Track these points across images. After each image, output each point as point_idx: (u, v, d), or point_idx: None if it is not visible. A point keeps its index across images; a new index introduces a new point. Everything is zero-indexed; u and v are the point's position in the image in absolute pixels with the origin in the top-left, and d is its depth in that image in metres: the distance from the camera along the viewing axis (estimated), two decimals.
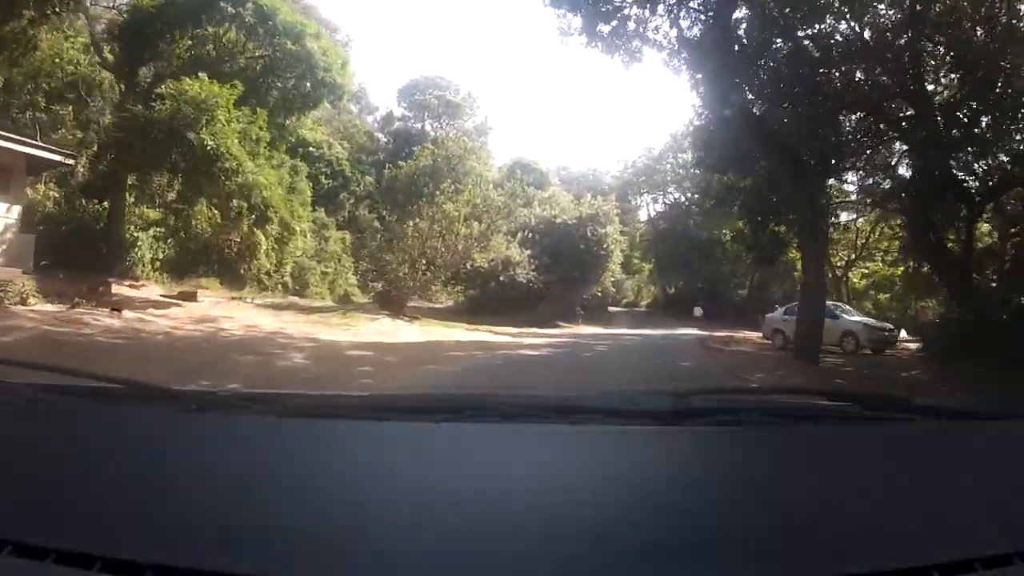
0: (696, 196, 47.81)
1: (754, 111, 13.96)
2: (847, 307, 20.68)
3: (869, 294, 34.63)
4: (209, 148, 20.28)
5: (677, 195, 51.53)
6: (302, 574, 0.72)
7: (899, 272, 29.85)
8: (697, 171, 46.42)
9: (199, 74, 21.67)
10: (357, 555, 0.76)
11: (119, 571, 0.71)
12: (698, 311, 39.32)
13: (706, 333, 30.81)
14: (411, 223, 21.72)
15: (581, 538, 0.79)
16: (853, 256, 30.39)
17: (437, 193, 21.62)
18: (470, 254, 22.85)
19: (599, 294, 33.01)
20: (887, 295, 33.50)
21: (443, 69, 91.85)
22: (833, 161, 14.25)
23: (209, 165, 20.43)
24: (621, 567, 0.73)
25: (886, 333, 18.87)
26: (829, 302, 22.39)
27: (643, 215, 56.66)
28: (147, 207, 24.25)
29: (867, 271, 34.18)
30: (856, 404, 1.53)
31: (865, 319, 19.51)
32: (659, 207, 54.10)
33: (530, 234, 28.67)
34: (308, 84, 27.52)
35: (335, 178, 40.13)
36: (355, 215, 34.40)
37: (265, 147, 22.96)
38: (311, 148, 39.91)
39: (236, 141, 21.36)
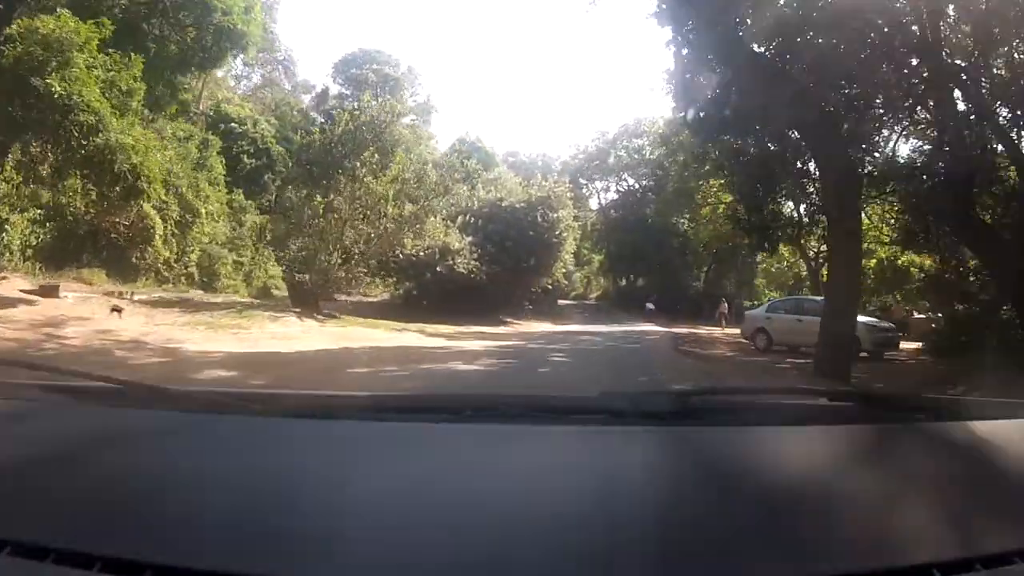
0: (652, 183, 45.16)
1: (760, 50, 10.63)
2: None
3: None
4: (58, 96, 15.81)
5: (631, 182, 48.56)
6: (302, 574, 0.73)
7: (871, 264, 27.63)
8: (656, 155, 44.91)
9: (58, 10, 17.17)
10: (357, 555, 0.76)
11: (119, 571, 0.72)
12: (650, 306, 36.59)
13: (665, 329, 28.28)
14: (322, 201, 17.74)
15: (582, 539, 0.79)
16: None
17: (358, 165, 17.69)
18: (399, 240, 19.04)
19: (549, 286, 29.64)
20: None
21: (383, 42, 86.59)
22: (869, 119, 10.99)
23: (59, 118, 15.98)
24: (622, 567, 0.74)
25: (889, 334, 16.09)
26: (813, 298, 19.78)
27: (594, 204, 53.59)
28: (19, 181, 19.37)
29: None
30: (856, 404, 1.58)
31: (864, 318, 16.76)
32: (612, 195, 51.03)
33: (472, 219, 25.07)
34: (209, 37, 23.20)
35: (259, 157, 35.65)
36: (280, 198, 30.00)
37: (140, 103, 18.55)
38: (234, 124, 35.61)
39: (97, 91, 16.91)
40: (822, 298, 18.58)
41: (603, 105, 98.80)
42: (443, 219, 24.07)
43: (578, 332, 23.01)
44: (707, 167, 21.57)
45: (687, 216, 40.53)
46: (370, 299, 31.33)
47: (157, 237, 22.92)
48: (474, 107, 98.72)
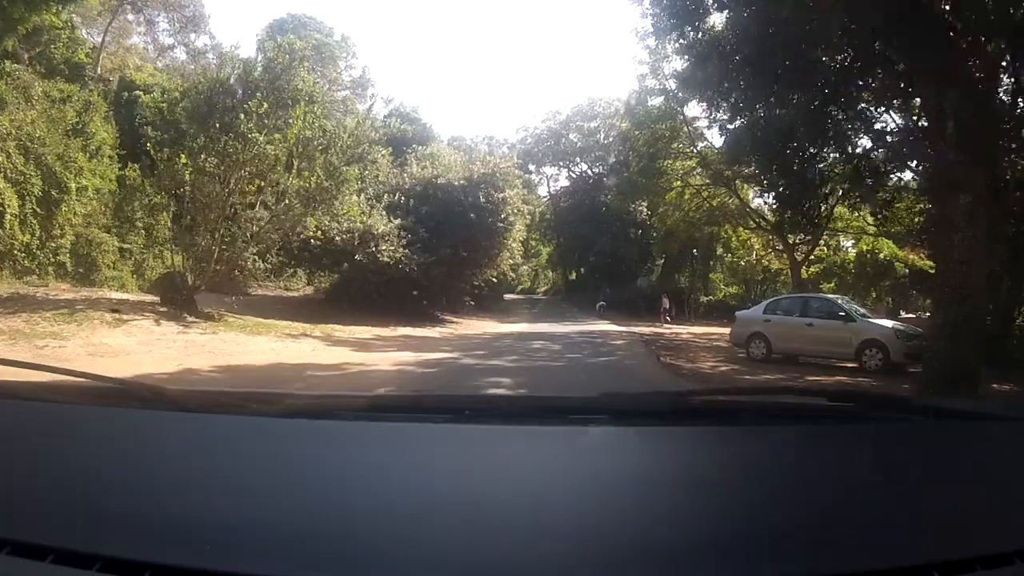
0: (607, 169, 41.76)
1: None
2: (850, 302, 14.50)
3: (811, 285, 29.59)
4: None
5: (585, 167, 45.00)
6: (302, 573, 0.72)
7: (850, 259, 24.91)
8: (613, 138, 41.14)
9: None
10: (357, 554, 0.76)
11: (119, 571, 0.72)
12: (602, 303, 33.33)
13: (626, 329, 24.93)
14: (187, 164, 13.28)
15: (582, 538, 0.79)
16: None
17: (242, 117, 13.30)
18: (302, 219, 14.73)
19: (494, 279, 25.70)
20: (831, 284, 28.70)
21: (316, 8, 79.89)
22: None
23: None
24: (622, 567, 0.73)
25: (920, 342, 12.82)
26: (824, 295, 16.39)
27: (544, 191, 49.93)
28: None
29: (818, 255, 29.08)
30: (856, 404, 1.57)
31: (891, 322, 13.53)
32: (563, 182, 47.42)
33: (401, 198, 20.89)
34: None
35: (166, 130, 30.44)
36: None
37: None
38: (139, 92, 30.28)
39: None
40: (837, 296, 15.50)
41: (555, 87, 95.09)
42: (366, 198, 19.88)
43: (528, 334, 19.25)
44: (706, 120, 17.50)
45: (645, 204, 37.40)
46: (291, 293, 26.87)
47: (9, 216, 18.04)
48: (416, 86, 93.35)
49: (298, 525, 0.80)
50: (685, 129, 22.39)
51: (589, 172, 44.40)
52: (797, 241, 22.52)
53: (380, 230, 18.86)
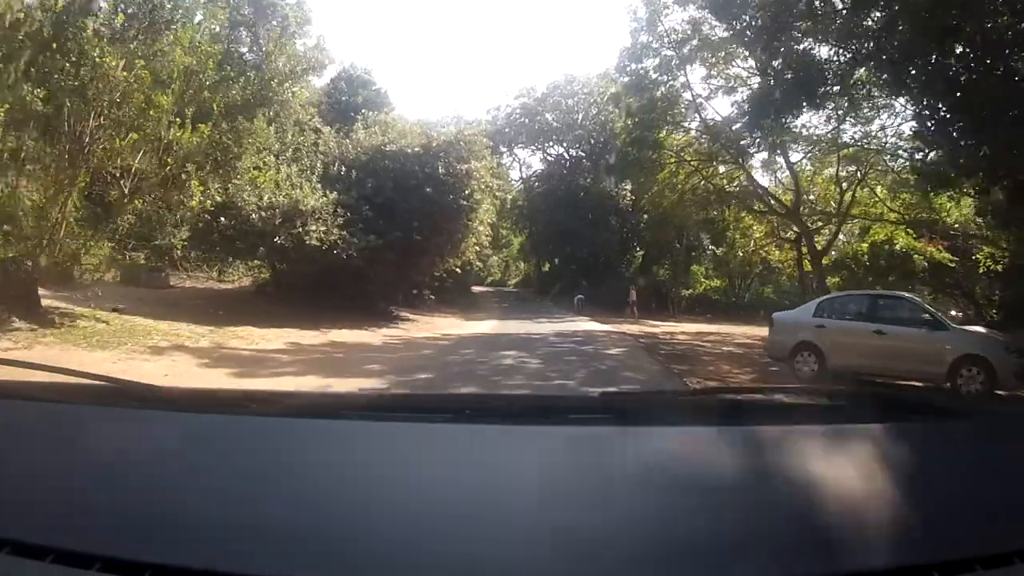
0: (586, 151, 38.13)
1: None
2: (924, 304, 10.89)
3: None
4: None
5: (561, 150, 41.16)
6: (302, 573, 0.72)
7: (863, 248, 21.62)
8: (594, 114, 36.96)
9: None
10: (357, 554, 0.76)
11: (119, 571, 0.72)
12: (580, 296, 29.97)
13: (611, 327, 21.42)
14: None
15: (582, 538, 0.78)
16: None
17: (88, 33, 9.22)
18: (186, 186, 10.71)
19: (457, 270, 21.78)
20: (836, 279, 25.50)
21: None
22: None
23: None
24: (623, 567, 0.74)
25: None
26: (898, 293, 12.60)
27: (516, 176, 46.09)
28: None
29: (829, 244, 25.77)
30: (857, 404, 1.56)
31: (989, 332, 10.04)
32: (537, 166, 43.53)
33: (342, 169, 16.91)
34: None
35: None
36: None
37: None
38: None
39: None
40: (910, 296, 11.82)
41: (530, 66, 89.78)
42: (299, 169, 15.88)
43: (497, 338, 15.52)
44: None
45: (630, 189, 33.92)
46: (224, 285, 22.67)
47: None
48: (379, 61, 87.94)
49: (298, 525, 0.80)
50: (686, 96, 18.80)
51: (566, 155, 40.67)
52: (818, 225, 19.16)
53: (310, 205, 14.85)
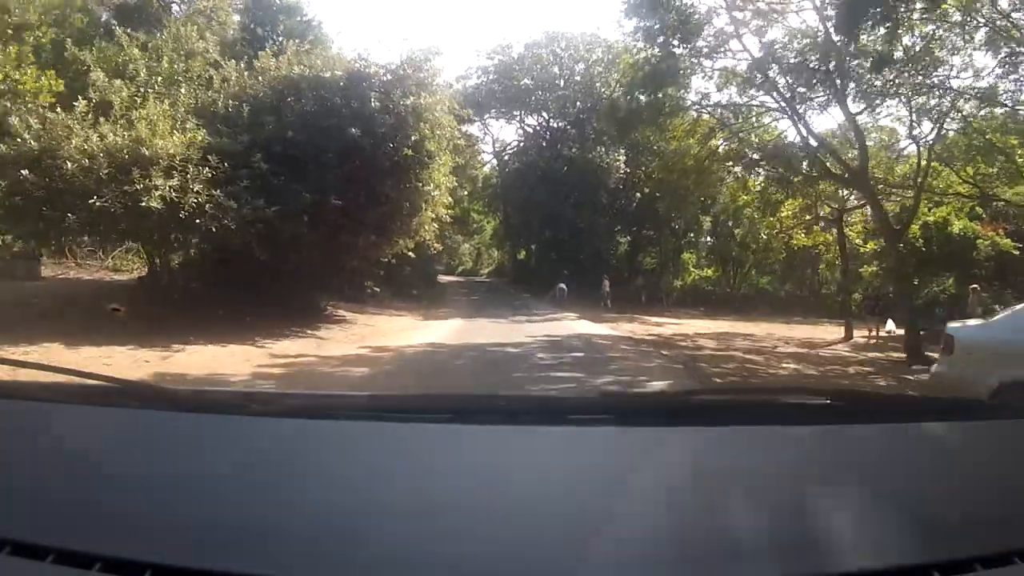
0: (571, 120, 32.82)
1: None
2: None
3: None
4: None
5: (540, 119, 35.76)
6: (301, 574, 0.72)
7: (914, 231, 16.80)
8: (583, 72, 31.05)
9: None
10: (356, 555, 0.76)
11: (118, 571, 0.72)
12: (562, 287, 25.57)
13: (607, 326, 16.56)
14: None
15: (582, 538, 0.78)
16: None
17: None
18: None
19: (411, 254, 16.26)
20: (872, 268, 20.87)
21: None
22: None
23: None
24: (622, 566, 0.74)
25: None
26: None
27: (487, 152, 40.78)
28: None
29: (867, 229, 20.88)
30: (857, 404, 1.55)
31: None
32: (515, 139, 38.10)
33: (231, 105, 11.54)
34: None
35: None
36: None
37: None
38: None
39: None
40: None
41: (507, 21, 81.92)
42: (168, 105, 10.51)
43: (461, 352, 10.43)
44: None
45: (623, 159, 28.96)
46: (121, 277, 17.07)
47: None
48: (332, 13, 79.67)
49: (298, 525, 0.80)
50: (712, 24, 13.66)
51: (547, 125, 35.30)
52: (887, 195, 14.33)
53: (160, 150, 9.44)
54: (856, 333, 15.81)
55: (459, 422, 1.20)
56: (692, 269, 34.27)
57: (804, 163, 14.57)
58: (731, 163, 17.21)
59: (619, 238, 34.38)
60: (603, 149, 29.79)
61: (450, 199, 14.98)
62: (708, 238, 33.47)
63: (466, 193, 41.74)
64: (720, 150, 16.59)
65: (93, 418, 1.23)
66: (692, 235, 33.86)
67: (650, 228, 32.75)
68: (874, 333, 15.36)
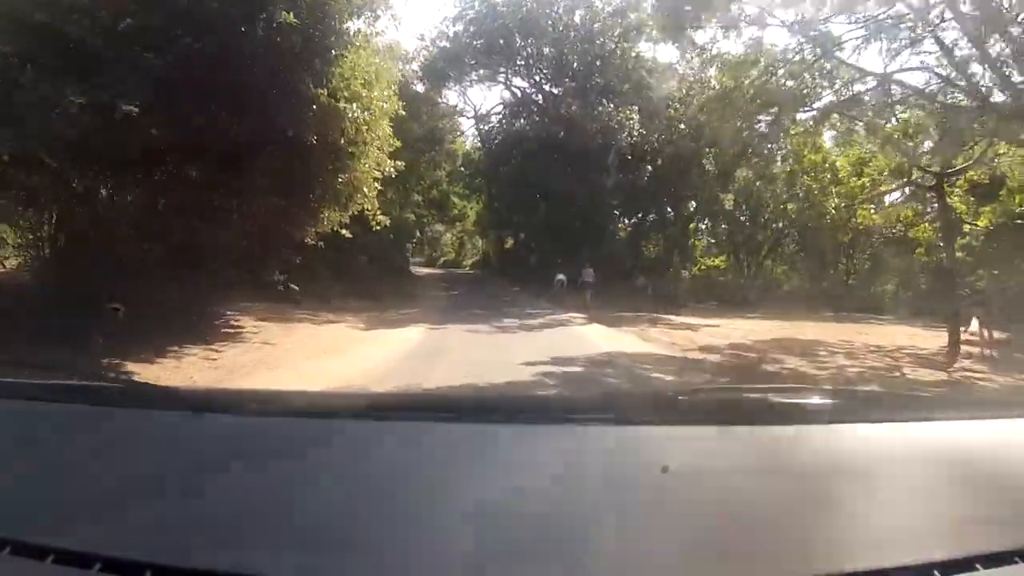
0: (566, 87, 27.39)
1: None
2: None
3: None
4: None
5: (534, 81, 30.25)
6: (301, 574, 0.72)
7: (989, 219, 11.82)
8: (585, 22, 25.46)
9: None
10: (356, 555, 0.76)
11: (119, 571, 0.72)
12: (561, 278, 20.90)
13: (638, 337, 11.48)
14: None
15: (582, 538, 0.78)
16: None
17: None
18: None
19: (342, 229, 10.92)
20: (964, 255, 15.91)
21: None
22: None
23: None
24: (623, 566, 0.74)
25: None
26: None
27: (467, 126, 35.37)
28: None
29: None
30: (857, 404, 1.54)
31: None
32: (501, 108, 32.60)
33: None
34: None
35: None
36: None
37: None
38: None
39: None
40: None
41: None
42: None
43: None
44: None
45: (637, 116, 23.84)
46: None
47: None
48: None
49: (298, 525, 0.80)
50: None
51: (538, 86, 29.86)
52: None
53: None
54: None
55: (460, 421, 1.20)
56: (699, 257, 30.07)
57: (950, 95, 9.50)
58: (804, 107, 12.19)
59: (624, 220, 29.53)
60: (610, 105, 24.53)
61: (393, 141, 9.64)
62: (723, 222, 28.87)
63: (445, 173, 36.98)
64: (786, 85, 11.58)
65: (93, 418, 1.21)
66: (706, 218, 29.31)
67: (664, 204, 27.95)
68: (987, 338, 11.21)
